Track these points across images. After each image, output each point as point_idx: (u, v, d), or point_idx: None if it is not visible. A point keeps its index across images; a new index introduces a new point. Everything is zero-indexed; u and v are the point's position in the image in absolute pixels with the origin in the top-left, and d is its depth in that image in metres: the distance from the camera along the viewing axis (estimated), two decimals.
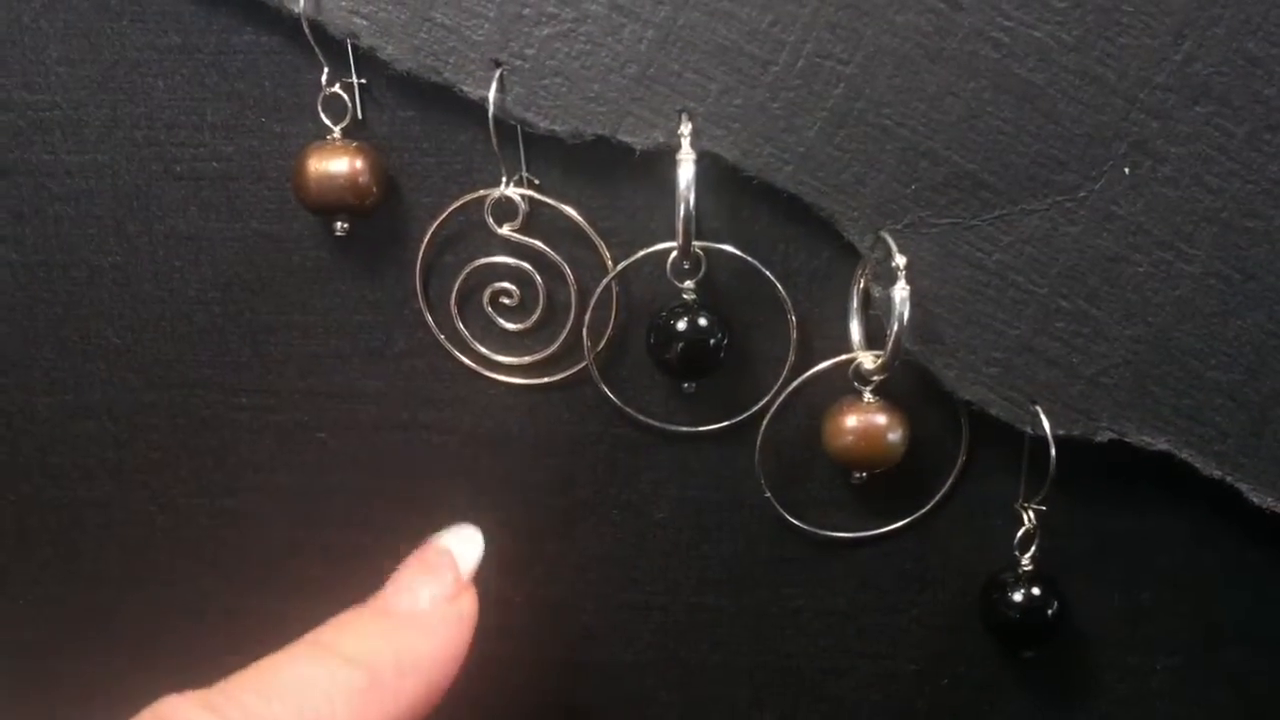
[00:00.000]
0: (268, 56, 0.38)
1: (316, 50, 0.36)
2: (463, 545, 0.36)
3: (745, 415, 0.39)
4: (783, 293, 0.37)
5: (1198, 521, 0.39)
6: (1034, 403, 0.37)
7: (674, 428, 0.40)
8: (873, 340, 0.38)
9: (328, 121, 0.37)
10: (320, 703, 0.31)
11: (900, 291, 0.35)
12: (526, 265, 0.38)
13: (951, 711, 0.42)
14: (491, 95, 0.36)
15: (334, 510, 0.41)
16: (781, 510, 0.40)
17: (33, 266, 0.40)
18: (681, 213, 0.35)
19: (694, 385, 0.38)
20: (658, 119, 0.36)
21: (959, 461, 0.39)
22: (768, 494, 0.40)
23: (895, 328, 0.35)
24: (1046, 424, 0.37)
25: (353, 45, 0.36)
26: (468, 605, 0.35)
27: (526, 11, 0.35)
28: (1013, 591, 0.39)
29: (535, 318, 0.39)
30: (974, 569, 0.40)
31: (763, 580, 0.41)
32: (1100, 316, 0.36)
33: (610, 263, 0.38)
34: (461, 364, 0.39)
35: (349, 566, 0.42)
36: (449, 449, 0.40)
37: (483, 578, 0.42)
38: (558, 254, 0.38)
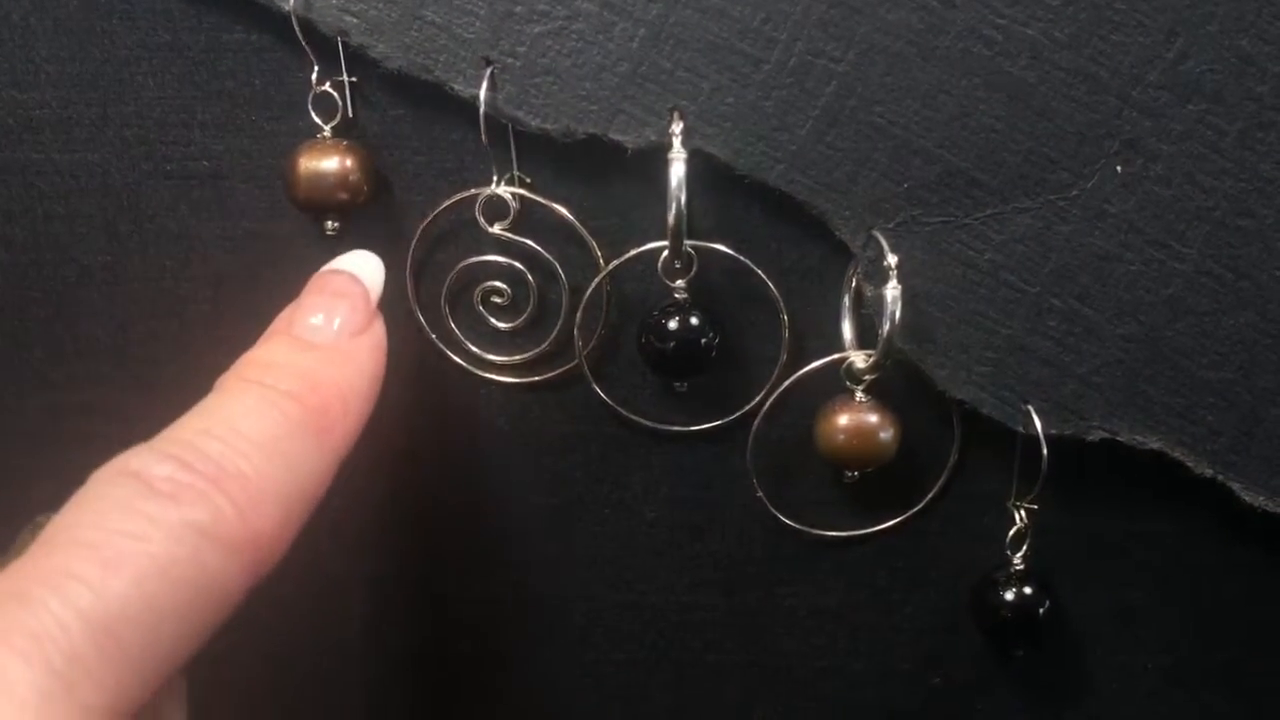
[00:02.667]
0: (258, 55, 0.38)
1: (307, 48, 0.36)
2: (366, 269, 0.35)
3: (737, 414, 0.39)
4: (774, 292, 0.37)
5: (1189, 520, 0.39)
6: (1026, 402, 0.37)
7: (666, 427, 0.40)
8: (865, 339, 0.38)
9: (318, 120, 0.37)
10: (284, 447, 0.30)
11: (892, 290, 0.35)
12: (518, 264, 0.38)
13: (943, 710, 0.42)
14: (482, 93, 0.36)
15: (325, 509, 0.41)
16: (773, 509, 0.40)
17: (22, 265, 0.40)
18: (673, 211, 0.35)
19: (686, 384, 0.38)
20: (649, 117, 0.36)
21: (951, 460, 0.39)
22: (759, 493, 0.40)
23: (887, 327, 0.35)
24: (1038, 423, 0.37)
25: (343, 43, 0.36)
26: (379, 333, 0.34)
27: (518, 9, 0.35)
28: (1004, 590, 0.39)
29: (526, 316, 0.39)
30: (966, 568, 0.40)
31: (755, 579, 0.41)
32: (1092, 315, 0.36)
33: (602, 261, 0.38)
34: (453, 363, 0.39)
35: (339, 564, 0.42)
36: (439, 448, 0.40)
37: (477, 577, 0.42)
38: (549, 253, 0.38)
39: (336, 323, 0.33)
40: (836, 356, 0.38)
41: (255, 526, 0.28)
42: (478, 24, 0.36)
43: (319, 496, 0.30)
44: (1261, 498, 0.37)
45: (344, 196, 0.37)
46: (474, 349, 0.39)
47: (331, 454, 0.31)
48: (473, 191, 0.38)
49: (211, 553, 0.27)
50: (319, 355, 0.32)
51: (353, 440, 0.32)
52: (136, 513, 0.26)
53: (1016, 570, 0.39)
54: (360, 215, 0.38)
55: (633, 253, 0.37)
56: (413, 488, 0.41)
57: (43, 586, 0.24)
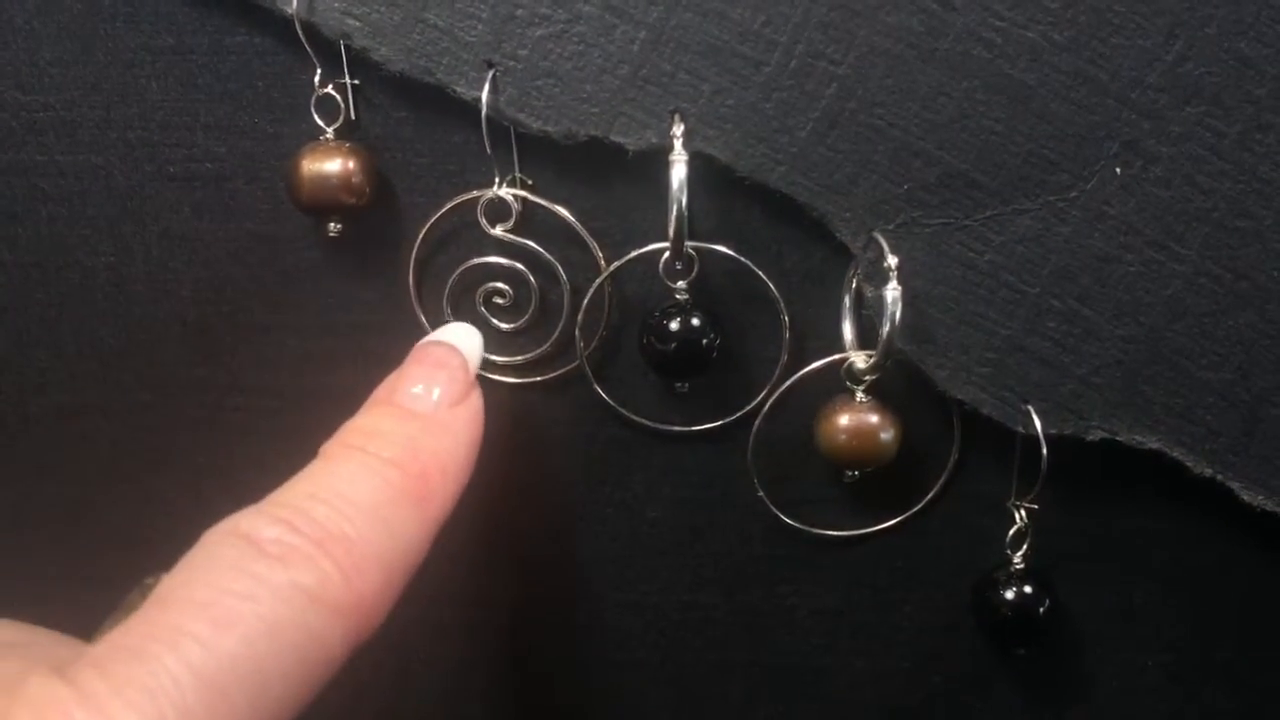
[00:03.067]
0: (261, 58, 0.38)
1: (310, 51, 0.36)
2: (467, 342, 0.36)
3: (738, 415, 0.39)
4: (775, 293, 0.38)
5: (1189, 520, 0.39)
6: (1026, 402, 0.37)
7: (667, 427, 0.40)
8: (865, 340, 0.38)
9: (321, 122, 0.38)
10: (387, 513, 0.30)
11: (892, 291, 0.35)
12: (520, 265, 0.38)
13: (944, 708, 0.42)
14: (484, 96, 0.36)
15: None
16: (774, 509, 0.40)
17: (26, 267, 0.40)
18: (674, 213, 0.35)
19: (687, 385, 0.39)
20: (650, 120, 0.36)
21: (951, 460, 0.39)
22: (760, 493, 0.40)
23: (887, 327, 0.35)
24: (1038, 423, 0.37)
25: (346, 46, 0.37)
26: (477, 404, 0.35)
27: (519, 12, 0.35)
28: (1005, 589, 0.39)
29: (528, 317, 0.39)
30: (966, 567, 0.40)
31: (756, 578, 0.41)
32: (1092, 316, 0.36)
33: (603, 263, 0.38)
34: None
35: None
36: None
37: (478, 576, 0.42)
38: (551, 254, 0.38)
39: (436, 393, 0.34)
40: (837, 357, 0.38)
41: (359, 590, 0.29)
42: (479, 27, 0.36)
43: (418, 563, 0.31)
44: (1260, 497, 0.37)
45: (347, 198, 0.37)
46: None
47: (430, 521, 0.32)
48: (475, 193, 0.38)
49: (316, 615, 0.28)
50: (419, 425, 0.33)
51: (450, 508, 0.33)
52: (246, 574, 0.27)
53: (1016, 569, 0.39)
54: (363, 217, 0.38)
55: (634, 254, 0.37)
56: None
57: (158, 643, 0.25)
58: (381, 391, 0.34)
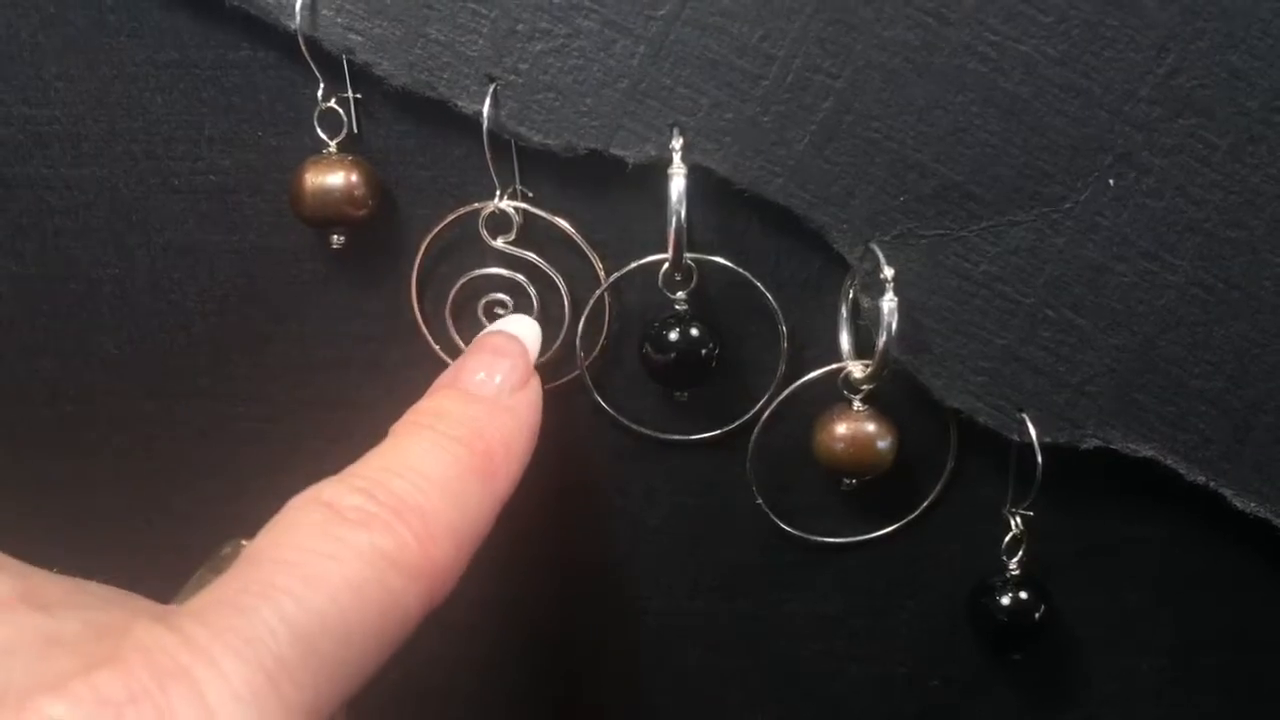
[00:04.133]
0: (264, 72, 0.38)
1: (312, 66, 0.37)
2: (527, 331, 0.38)
3: (737, 423, 0.40)
4: (773, 303, 0.38)
5: (1182, 526, 0.40)
6: (1021, 410, 0.38)
7: (667, 436, 0.40)
8: (862, 350, 0.38)
9: (324, 136, 0.38)
10: (457, 488, 0.32)
11: (889, 302, 0.35)
12: (520, 277, 0.39)
13: (941, 713, 0.42)
14: (485, 110, 0.36)
15: None
16: (773, 516, 0.40)
17: (32, 278, 0.40)
18: (673, 225, 0.36)
19: (686, 394, 0.39)
20: (650, 133, 0.36)
21: (947, 468, 0.40)
22: (759, 500, 0.40)
23: (884, 337, 0.35)
24: (1033, 431, 0.37)
25: (348, 61, 0.37)
26: (537, 390, 0.36)
27: (520, 27, 0.36)
28: (1001, 595, 0.39)
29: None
30: (962, 573, 0.40)
31: (755, 585, 0.42)
32: (1086, 326, 0.37)
33: (603, 274, 0.38)
34: None
35: None
36: None
37: (479, 584, 0.42)
38: (551, 266, 0.38)
39: (498, 379, 0.35)
40: (835, 366, 0.38)
41: (433, 556, 0.30)
42: (481, 42, 0.36)
43: (484, 535, 0.33)
44: (1253, 503, 0.38)
45: (349, 211, 0.37)
46: None
47: (494, 496, 0.33)
48: (476, 206, 0.38)
49: (395, 577, 0.29)
50: (483, 407, 0.35)
51: (513, 486, 0.34)
52: (331, 536, 0.29)
53: (1012, 575, 0.39)
54: (365, 229, 0.38)
55: (634, 265, 0.38)
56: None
57: (254, 596, 0.27)
58: (446, 377, 0.36)
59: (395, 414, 0.40)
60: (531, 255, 0.38)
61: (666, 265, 0.37)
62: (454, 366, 0.36)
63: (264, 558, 0.28)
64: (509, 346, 0.37)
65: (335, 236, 0.38)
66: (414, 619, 0.30)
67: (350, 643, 0.27)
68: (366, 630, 0.28)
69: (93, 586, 0.29)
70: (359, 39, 0.36)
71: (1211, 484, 0.38)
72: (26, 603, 0.26)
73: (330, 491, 0.30)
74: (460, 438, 0.33)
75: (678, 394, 0.39)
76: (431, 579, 0.30)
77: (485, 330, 0.38)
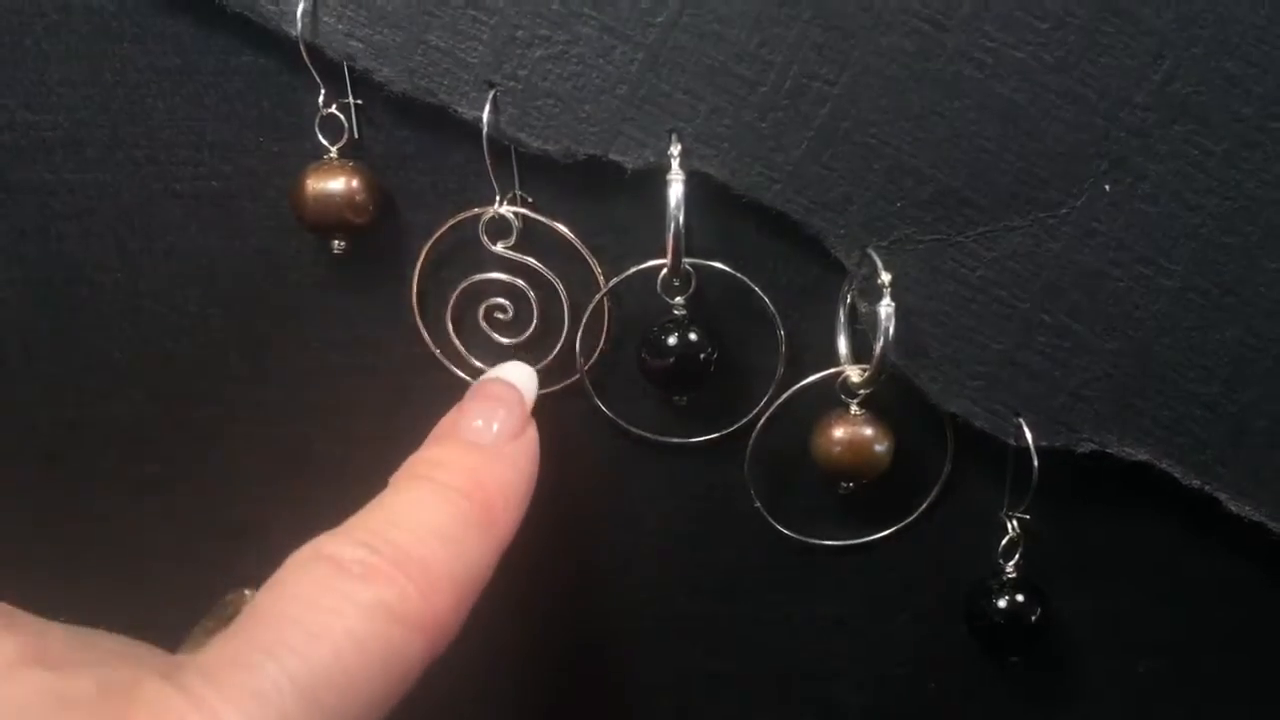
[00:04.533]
0: (266, 78, 0.38)
1: (313, 72, 0.37)
2: (522, 378, 0.38)
3: (735, 427, 0.40)
4: (771, 308, 0.38)
5: (1177, 529, 0.40)
6: (1017, 415, 0.38)
7: (665, 439, 0.40)
8: (859, 354, 0.38)
9: (325, 141, 0.38)
10: (457, 537, 0.32)
11: (886, 307, 0.35)
12: (520, 281, 0.39)
13: (938, 715, 0.43)
14: (485, 116, 0.36)
15: (333, 522, 0.42)
16: (771, 519, 0.41)
17: (35, 283, 0.41)
18: (672, 230, 0.36)
19: (685, 398, 0.39)
20: (648, 139, 0.37)
21: (944, 472, 0.40)
22: (757, 504, 0.40)
23: (881, 342, 0.36)
24: (1029, 435, 0.37)
25: (349, 67, 0.37)
26: (534, 437, 0.37)
27: (519, 34, 0.36)
28: (997, 598, 0.39)
29: (529, 332, 0.39)
30: (959, 576, 0.41)
31: (753, 587, 0.42)
32: (1082, 331, 0.37)
33: (602, 279, 0.39)
34: (457, 378, 0.40)
35: None
36: None
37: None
38: (551, 270, 0.39)
39: (495, 426, 0.36)
40: (832, 371, 0.38)
41: (435, 607, 0.31)
42: (480, 48, 0.36)
43: (485, 583, 0.33)
44: (1248, 507, 0.38)
45: (350, 216, 0.38)
46: (478, 364, 0.40)
47: (495, 545, 0.34)
48: (476, 211, 0.38)
49: (398, 629, 0.29)
50: (482, 457, 0.35)
51: (513, 533, 0.34)
52: (334, 591, 0.29)
53: (1009, 578, 0.40)
54: (366, 234, 0.39)
55: (632, 270, 0.38)
56: None
57: (259, 653, 0.27)
58: (444, 426, 0.36)
59: (396, 417, 0.41)
60: (531, 260, 0.39)
61: (665, 270, 0.37)
62: (451, 414, 0.37)
63: (268, 613, 0.28)
64: (506, 394, 0.37)
65: (336, 242, 0.38)
66: (416, 669, 0.30)
67: (354, 696, 0.28)
68: (370, 683, 0.28)
69: (102, 639, 0.30)
70: (360, 46, 0.37)
71: (1207, 488, 0.38)
72: (38, 663, 0.27)
73: (332, 545, 0.31)
74: (460, 488, 0.33)
75: (676, 398, 0.39)
76: (434, 630, 0.30)
77: (482, 377, 0.39)
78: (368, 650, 0.28)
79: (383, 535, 0.31)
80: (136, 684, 0.26)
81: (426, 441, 0.36)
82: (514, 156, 0.38)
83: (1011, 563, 0.40)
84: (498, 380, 0.38)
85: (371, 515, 0.32)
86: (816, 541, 0.41)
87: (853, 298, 0.38)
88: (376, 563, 0.30)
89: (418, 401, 0.41)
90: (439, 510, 0.33)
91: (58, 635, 0.28)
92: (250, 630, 0.28)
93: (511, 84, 0.36)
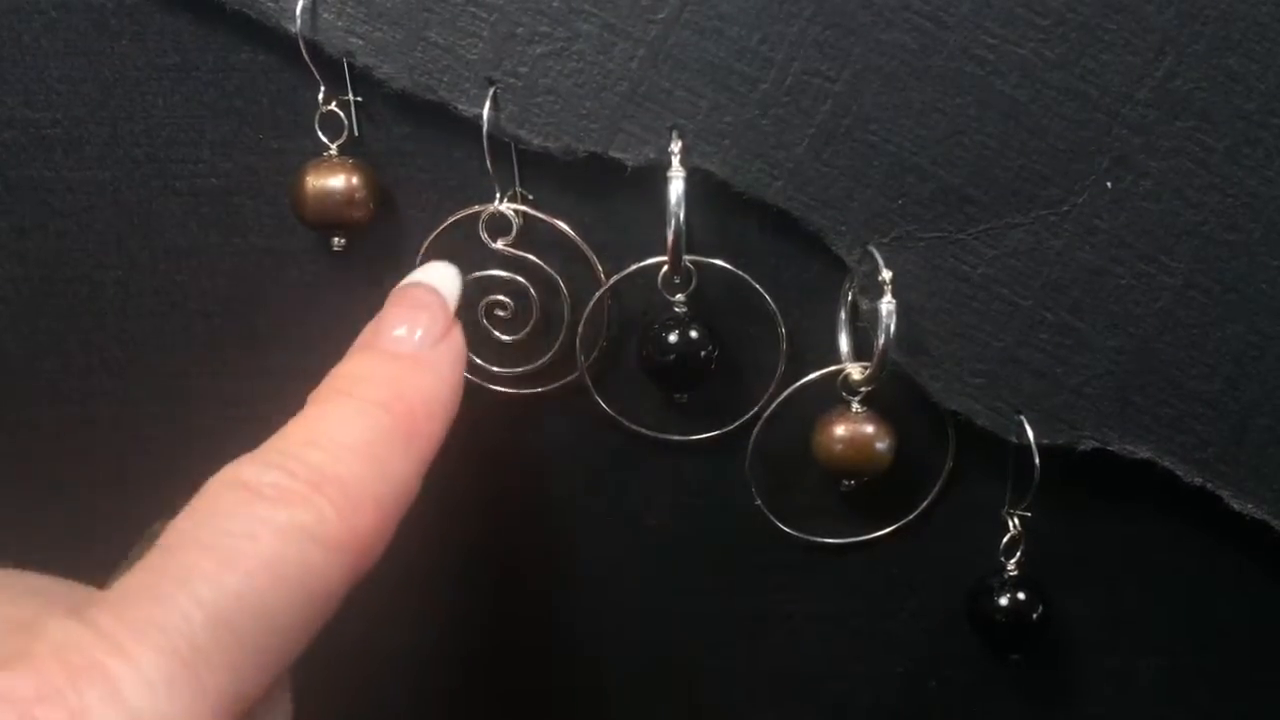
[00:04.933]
0: (265, 75, 0.38)
1: (313, 69, 0.37)
2: (444, 280, 0.36)
3: (736, 425, 0.40)
4: (772, 305, 0.38)
5: (1179, 527, 0.40)
6: (1019, 412, 0.38)
7: (666, 437, 0.40)
8: (861, 352, 0.38)
9: (324, 139, 0.38)
10: (378, 453, 0.31)
11: (887, 304, 0.35)
12: (520, 279, 0.39)
13: (940, 713, 0.43)
14: (485, 113, 0.36)
15: None
16: (772, 517, 0.41)
17: (35, 280, 0.41)
18: (672, 228, 0.36)
19: (685, 396, 0.39)
20: (649, 136, 0.37)
21: (945, 469, 0.40)
22: (758, 501, 0.40)
23: (882, 339, 0.36)
24: (1031, 433, 0.37)
25: (349, 64, 0.37)
26: (458, 341, 0.35)
27: (519, 31, 0.36)
28: (999, 596, 0.39)
29: (529, 330, 0.39)
30: (961, 574, 0.41)
31: (754, 585, 0.42)
32: (1083, 328, 0.37)
33: (603, 276, 0.38)
34: None
35: None
36: (444, 459, 0.41)
37: (479, 585, 0.42)
38: (551, 268, 0.39)
39: (418, 334, 0.34)
40: (833, 368, 0.38)
41: (355, 527, 0.30)
42: (480, 45, 0.36)
43: (410, 499, 0.32)
44: (1250, 505, 0.38)
45: (350, 213, 0.38)
46: (478, 361, 0.40)
47: (419, 457, 0.32)
48: (476, 208, 0.38)
49: (316, 552, 0.28)
50: (403, 365, 0.34)
51: (438, 444, 0.33)
52: (247, 516, 0.28)
53: (1010, 576, 0.40)
54: (366, 232, 0.39)
55: (633, 268, 0.38)
56: (417, 497, 0.42)
57: (167, 581, 0.26)
58: (365, 336, 0.35)
59: None
60: (531, 257, 0.38)
61: (666, 268, 0.37)
62: (373, 323, 0.35)
63: (180, 542, 0.28)
64: (427, 298, 0.35)
65: (336, 239, 0.38)
66: (338, 593, 0.29)
67: (272, 621, 0.27)
68: (289, 609, 0.28)
69: (19, 578, 0.29)
70: (359, 42, 0.36)
71: (1209, 486, 0.38)
72: None
73: (247, 470, 0.30)
74: (380, 400, 0.32)
75: (677, 396, 0.39)
76: (356, 550, 0.29)
77: (403, 282, 0.37)
78: (283, 574, 0.28)
79: (298, 456, 0.30)
80: (41, 621, 0.25)
81: (347, 354, 0.35)
82: (514, 153, 0.38)
83: (1013, 560, 0.40)
84: (418, 285, 0.36)
85: (287, 436, 0.31)
86: (817, 539, 0.41)
87: (854, 295, 0.38)
88: (291, 484, 0.29)
89: None
90: (357, 425, 0.31)
91: None
92: (161, 559, 0.27)
93: (512, 81, 0.36)
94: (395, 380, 0.33)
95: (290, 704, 0.31)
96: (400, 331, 0.34)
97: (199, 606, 0.26)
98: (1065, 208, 0.36)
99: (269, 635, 0.27)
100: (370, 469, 0.31)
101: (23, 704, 0.23)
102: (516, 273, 0.39)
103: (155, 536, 0.31)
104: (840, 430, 0.38)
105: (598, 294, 0.38)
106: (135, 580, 0.27)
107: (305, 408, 0.33)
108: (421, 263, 0.39)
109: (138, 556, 0.28)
